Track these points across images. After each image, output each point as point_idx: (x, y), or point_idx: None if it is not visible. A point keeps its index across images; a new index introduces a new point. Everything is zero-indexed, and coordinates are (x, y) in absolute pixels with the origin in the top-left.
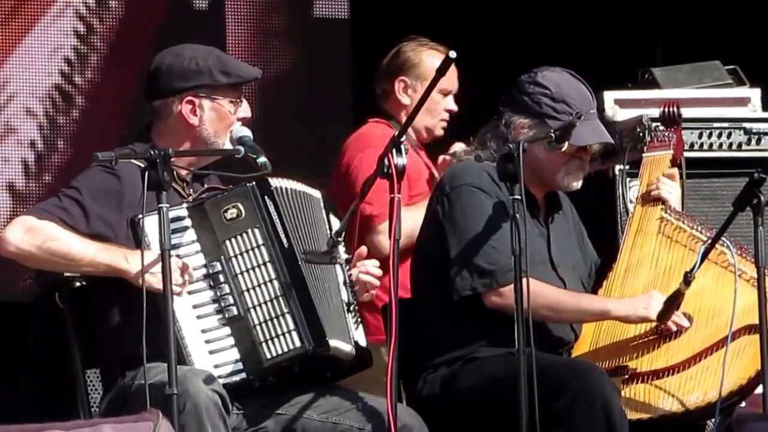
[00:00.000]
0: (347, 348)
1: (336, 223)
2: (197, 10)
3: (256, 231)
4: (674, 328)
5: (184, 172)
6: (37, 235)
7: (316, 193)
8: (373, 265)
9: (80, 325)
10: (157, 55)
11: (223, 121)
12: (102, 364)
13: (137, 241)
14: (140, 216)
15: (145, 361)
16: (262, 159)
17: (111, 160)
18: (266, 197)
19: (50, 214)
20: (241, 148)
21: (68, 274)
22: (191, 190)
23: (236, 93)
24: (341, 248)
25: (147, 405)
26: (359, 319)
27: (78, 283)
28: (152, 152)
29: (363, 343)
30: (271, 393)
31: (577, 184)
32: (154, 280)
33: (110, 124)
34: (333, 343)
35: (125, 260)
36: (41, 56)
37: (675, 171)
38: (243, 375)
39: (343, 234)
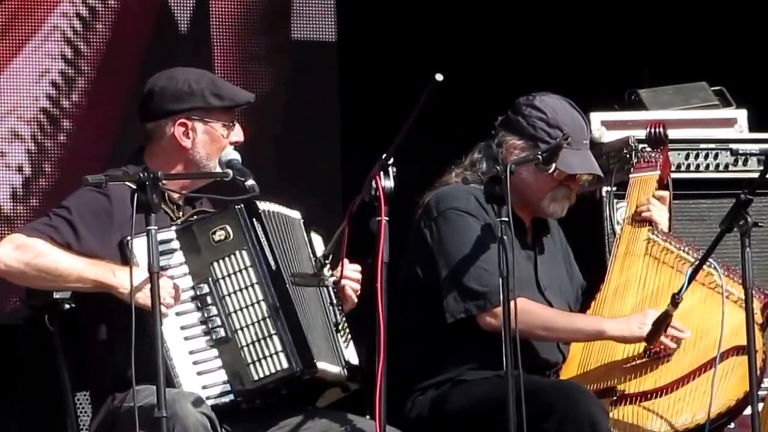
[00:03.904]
0: (335, 369)
1: (317, 241)
2: (183, 33)
3: (244, 253)
4: (671, 346)
5: (176, 196)
6: (26, 252)
7: (296, 214)
8: (352, 269)
9: (70, 348)
10: (150, 77)
11: (215, 144)
12: (91, 386)
13: (125, 263)
14: (128, 237)
15: (134, 383)
16: (251, 182)
17: (101, 182)
18: (254, 219)
19: (40, 232)
20: (230, 172)
21: (57, 296)
22: (181, 213)
23: (229, 116)
24: (327, 270)
25: (136, 428)
26: (349, 337)
27: (67, 306)
28: (141, 175)
29: (354, 361)
30: (260, 415)
31: (561, 212)
32: (142, 296)
33: (97, 148)
34: (321, 365)
35: (113, 275)
36: (28, 80)
37: (666, 194)
38: (231, 396)
39: (331, 256)
